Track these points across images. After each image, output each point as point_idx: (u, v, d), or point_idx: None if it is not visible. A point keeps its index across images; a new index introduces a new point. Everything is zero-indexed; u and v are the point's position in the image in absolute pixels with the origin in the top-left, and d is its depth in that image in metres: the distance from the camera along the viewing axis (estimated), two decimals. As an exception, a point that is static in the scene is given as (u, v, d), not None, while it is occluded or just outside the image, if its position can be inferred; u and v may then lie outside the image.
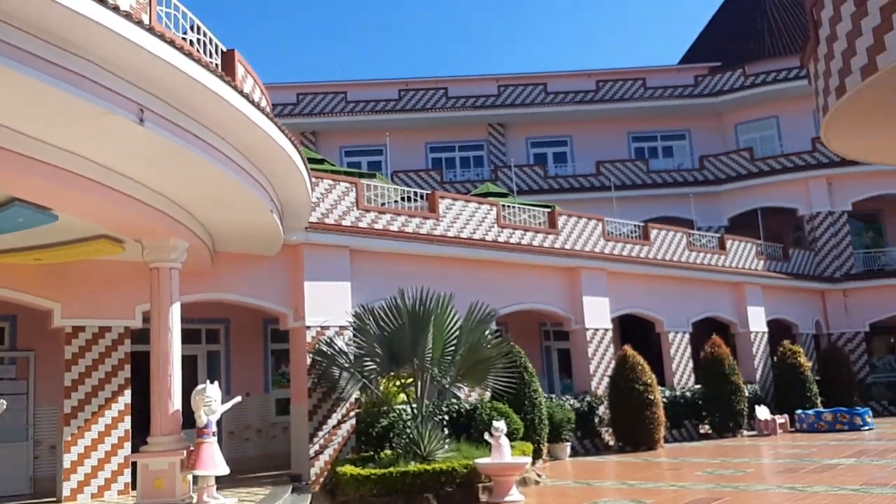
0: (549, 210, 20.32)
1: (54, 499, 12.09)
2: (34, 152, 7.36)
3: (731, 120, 33.50)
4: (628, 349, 19.42)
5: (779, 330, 26.78)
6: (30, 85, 6.12)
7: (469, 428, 15.04)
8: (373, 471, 12.05)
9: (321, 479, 13.93)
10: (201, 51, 8.38)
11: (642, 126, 33.68)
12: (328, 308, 14.82)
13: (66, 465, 11.94)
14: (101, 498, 12.05)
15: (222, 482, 11.33)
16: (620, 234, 22.57)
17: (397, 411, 14.53)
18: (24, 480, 13.19)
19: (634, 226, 22.84)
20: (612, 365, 19.86)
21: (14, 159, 7.20)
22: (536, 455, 15.54)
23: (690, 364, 22.99)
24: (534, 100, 33.13)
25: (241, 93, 8.42)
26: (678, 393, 21.57)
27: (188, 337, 14.62)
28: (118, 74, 6.97)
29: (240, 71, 9.56)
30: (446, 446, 13.21)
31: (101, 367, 12.45)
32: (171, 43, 7.01)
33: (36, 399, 13.52)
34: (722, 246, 25.08)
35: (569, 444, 18.03)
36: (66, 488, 11.89)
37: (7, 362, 13.44)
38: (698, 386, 22.05)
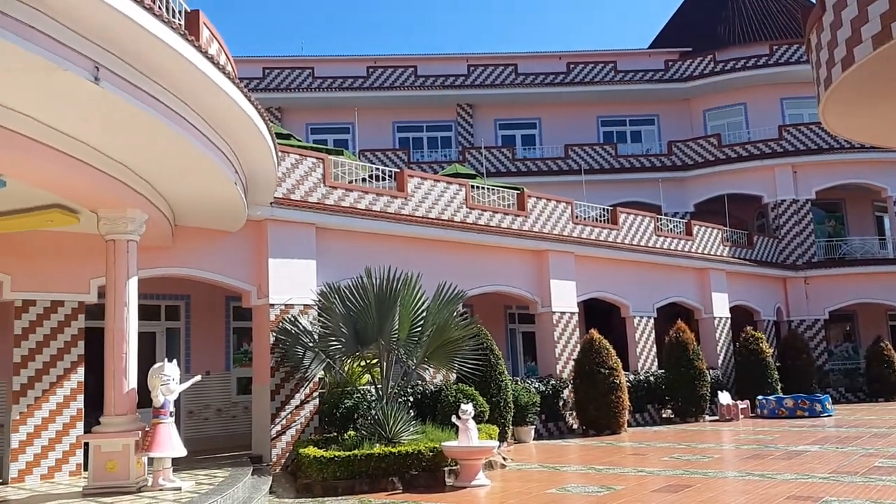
0: (518, 192, 20.08)
1: (0, 480, 11.54)
2: (-22, 110, 6.84)
3: (700, 106, 33.58)
4: (594, 333, 19.33)
5: (741, 316, 27.01)
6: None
7: (435, 410, 14.80)
8: (336, 453, 11.74)
9: (283, 461, 13.59)
10: (163, 9, 7.87)
11: (612, 110, 33.60)
12: (293, 286, 14.42)
13: (14, 444, 11.42)
14: (50, 479, 11.55)
15: (179, 464, 10.95)
16: (589, 218, 22.47)
17: (362, 392, 14.22)
18: (-31, 460, 12.60)
19: (603, 209, 22.72)
20: (578, 349, 19.77)
21: (-44, 117, 6.68)
22: (502, 438, 15.38)
23: (654, 349, 23.04)
24: (503, 81, 32.79)
25: (205, 55, 7.94)
26: (642, 377, 21.58)
27: (146, 313, 14.15)
28: (72, 28, 6.45)
29: (205, 33, 9.06)
30: (412, 429, 12.95)
31: (52, 343, 11.92)
32: (130, -4, 6.51)
33: (-17, 375, 12.91)
34: (689, 232, 25.13)
35: (533, 427, 17.92)
36: (14, 469, 11.37)
37: (-48, 337, 12.79)
38: (661, 371, 22.11)
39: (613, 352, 19.17)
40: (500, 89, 32.62)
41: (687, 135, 32.94)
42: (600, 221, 22.30)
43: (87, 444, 10.37)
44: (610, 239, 21.98)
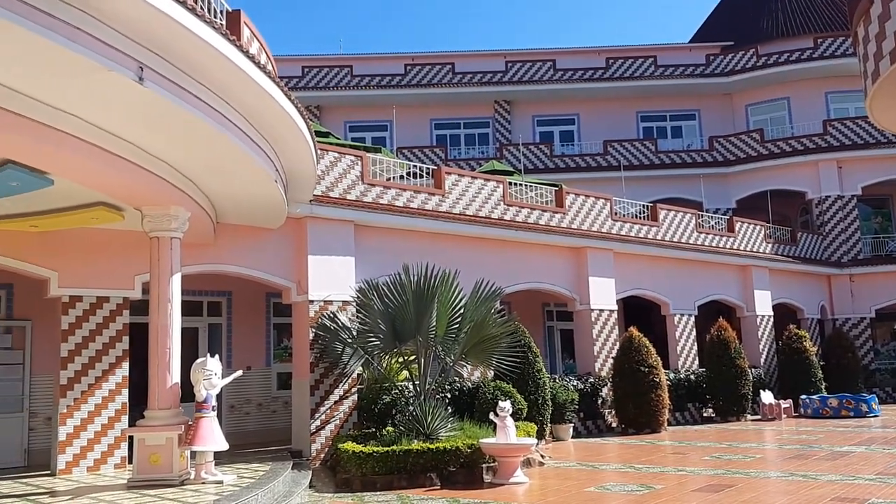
0: (556, 189, 19.96)
1: (48, 472, 11.84)
2: (28, 111, 6.99)
3: (742, 100, 33.03)
4: (634, 331, 19.15)
5: (784, 314, 26.52)
6: (25, 37, 5.75)
7: (472, 407, 14.80)
8: (375, 448, 11.81)
9: (322, 456, 13.71)
10: (205, 9, 7.98)
11: (652, 105, 33.23)
12: (332, 283, 14.53)
13: (62, 437, 11.69)
14: (96, 472, 11.81)
15: (221, 457, 11.10)
16: (628, 215, 22.25)
17: (400, 388, 14.29)
18: (19, 452, 12.94)
19: (642, 206, 22.48)
20: (617, 346, 19.62)
21: (7, 117, 6.84)
22: (539, 436, 15.33)
23: (695, 347, 22.75)
24: (542, 76, 32.60)
25: (246, 54, 8.05)
26: (682, 376, 21.33)
27: (189, 309, 14.36)
28: (117, 29, 6.59)
29: (245, 32, 9.18)
30: (449, 425, 12.98)
31: (98, 339, 12.16)
32: (173, -3, 6.62)
33: (32, 369, 13.24)
34: (731, 228, 24.75)
35: (572, 425, 17.83)
36: (61, 461, 11.64)
37: (3, 332, 13.16)
38: (702, 369, 21.83)
39: (653, 350, 18.98)
40: (538, 85, 32.46)
41: (729, 130, 32.44)
42: (640, 218, 22.07)
43: (131, 438, 10.57)
44: (650, 236, 21.74)
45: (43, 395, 13.14)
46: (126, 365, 12.38)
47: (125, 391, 12.31)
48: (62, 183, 9.01)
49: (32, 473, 11.89)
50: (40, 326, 13.26)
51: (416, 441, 12.18)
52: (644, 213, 22.35)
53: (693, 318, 22.89)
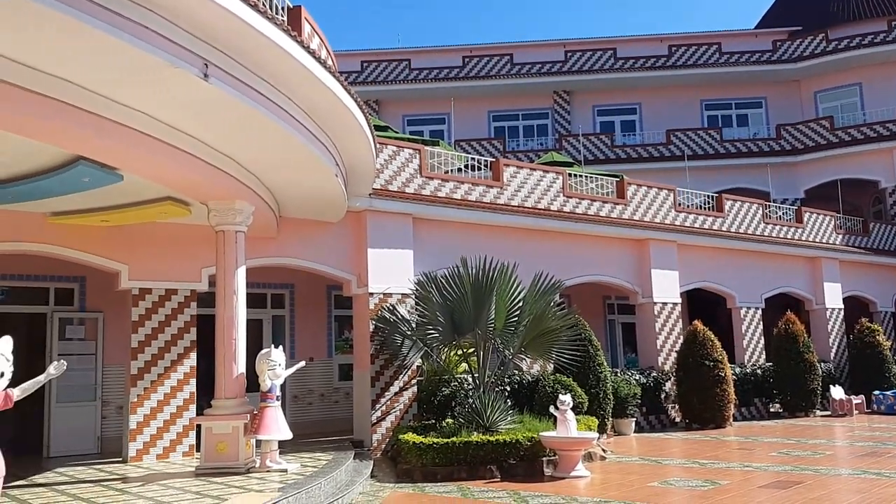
0: (617, 179, 19.68)
1: (120, 459, 12.25)
2: (97, 108, 7.21)
3: (811, 87, 32.00)
4: (698, 324, 18.79)
5: (856, 307, 25.64)
6: (93, 36, 5.93)
7: (531, 400, 14.75)
8: (435, 439, 11.88)
9: (383, 446, 13.85)
10: (267, 6, 8.10)
11: (716, 93, 32.46)
12: (391, 275, 14.64)
13: (133, 425, 12.08)
14: (165, 459, 12.17)
15: (285, 446, 11.31)
16: (692, 206, 21.80)
17: (459, 380, 14.32)
18: (92, 440, 13.42)
19: (707, 196, 22.00)
20: (680, 340, 19.28)
21: (78, 115, 7.07)
22: (601, 430, 15.18)
23: (762, 341, 22.20)
24: (602, 66, 32.16)
25: (307, 49, 8.14)
26: (748, 370, 20.85)
27: (254, 301, 14.61)
28: (182, 27, 6.74)
29: (306, 28, 9.28)
30: (509, 418, 12.96)
31: (167, 330, 12.52)
32: (237, -6, 6.73)
33: (104, 359, 13.71)
34: (799, 219, 24.02)
35: (634, 419, 17.59)
36: (132, 449, 12.03)
37: (76, 323, 13.64)
38: (769, 364, 21.28)
39: (718, 343, 18.60)
40: (598, 74, 32.05)
41: (797, 117, 31.47)
42: (704, 209, 21.61)
43: (199, 426, 10.84)
44: (715, 227, 21.28)
45: (115, 384, 13.60)
46: (194, 355, 12.71)
47: (193, 381, 12.65)
48: (131, 178, 9.28)
49: (105, 460, 12.33)
50: (112, 318, 13.72)
51: (475, 433, 12.20)
52: (709, 203, 21.87)
53: (759, 312, 22.32)
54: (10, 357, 5.64)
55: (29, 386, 5.96)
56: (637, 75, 31.92)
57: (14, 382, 5.71)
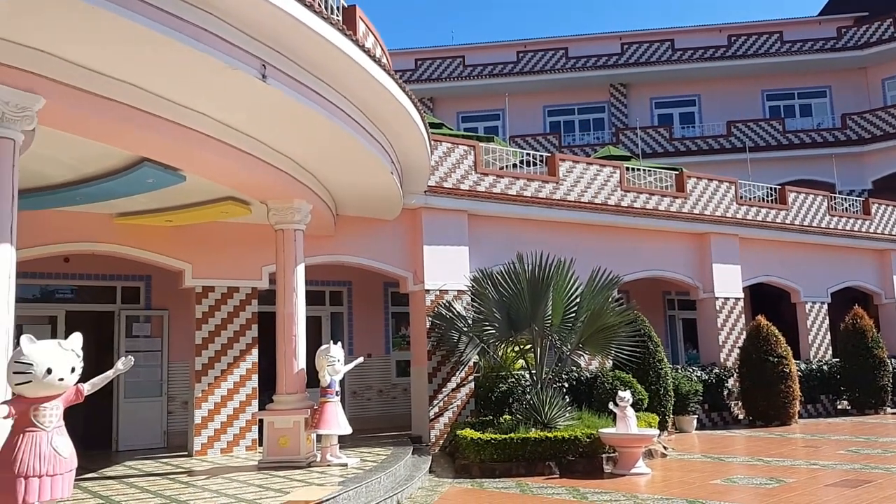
0: (676, 173, 19.35)
1: (185, 453, 12.58)
2: (160, 110, 7.43)
3: (878, 74, 30.89)
4: (762, 319, 18.34)
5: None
6: (153, 39, 6.10)
7: (590, 397, 14.62)
8: (493, 435, 11.87)
9: (441, 442, 13.91)
10: (322, 5, 8.20)
11: (778, 83, 31.60)
12: (446, 272, 14.69)
13: (197, 420, 12.39)
14: (229, 453, 12.45)
15: (344, 441, 11.44)
16: (754, 198, 21.29)
17: (516, 377, 14.29)
18: (158, 434, 13.81)
19: (770, 189, 21.46)
20: (743, 336, 18.86)
21: (141, 117, 7.29)
22: (662, 427, 14.96)
23: (828, 336, 21.56)
24: (659, 57, 31.64)
25: (363, 48, 8.22)
26: (814, 366, 20.26)
27: (312, 298, 14.84)
28: (240, 29, 6.88)
29: (361, 27, 9.37)
30: (567, 414, 12.87)
31: (229, 327, 12.80)
32: (293, -5, 6.84)
33: (169, 356, 14.09)
34: (866, 210, 23.23)
35: (695, 416, 17.27)
36: (197, 443, 12.34)
37: (142, 320, 14.05)
38: (836, 359, 20.65)
39: (783, 339, 18.13)
40: (655, 66, 31.53)
41: (863, 106, 30.42)
42: (767, 201, 21.08)
43: (261, 421, 11.06)
44: (778, 220, 20.74)
45: (179, 380, 13.96)
46: (255, 352, 12.97)
47: (255, 377, 12.91)
48: (193, 179, 9.51)
49: (171, 454, 12.67)
50: (176, 315, 14.08)
51: (533, 430, 12.15)
52: (771, 196, 21.33)
53: (825, 306, 21.68)
54: (81, 353, 5.83)
55: (98, 381, 6.15)
56: (696, 66, 31.30)
57: (83, 378, 5.91)
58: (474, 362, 14.76)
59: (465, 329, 14.00)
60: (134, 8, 5.82)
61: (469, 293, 14.58)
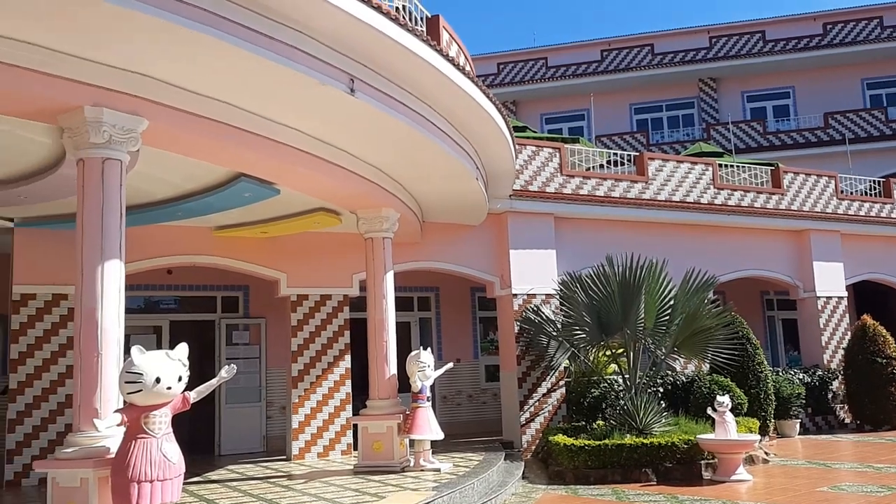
0: (771, 168, 18.68)
1: (284, 457, 12.94)
2: (254, 127, 7.69)
3: None
4: (868, 319, 17.50)
5: None
6: (246, 58, 6.34)
7: (686, 402, 14.26)
8: (587, 442, 11.74)
9: (533, 447, 13.83)
10: (406, 17, 8.33)
11: (879, 70, 30.05)
12: (534, 276, 14.60)
13: (294, 425, 12.73)
14: (325, 457, 12.74)
15: (436, 446, 11.52)
16: (856, 192, 20.35)
17: (608, 382, 14.07)
18: (258, 439, 14.26)
19: (873, 182, 20.44)
20: (847, 336, 18.03)
21: (238, 135, 7.56)
22: (762, 432, 14.46)
23: (942, 336, 20.34)
24: (750, 50, 30.61)
25: (447, 58, 8.29)
26: (928, 368, 19.14)
27: (401, 304, 15.01)
28: (328, 44, 7.06)
29: (444, 37, 9.45)
30: (663, 420, 12.59)
31: (323, 333, 13.12)
32: (379, 9, 6.97)
33: (267, 362, 14.53)
34: (982, 201, 21.81)
35: (798, 421, 16.60)
36: (295, 447, 12.68)
37: (241, 328, 14.55)
38: (953, 361, 19.45)
39: (891, 339, 17.24)
40: (746, 59, 30.52)
41: (976, 91, 28.64)
42: (870, 195, 20.09)
43: (355, 426, 11.27)
44: (883, 214, 19.73)
45: (277, 386, 14.38)
46: (348, 358, 13.24)
47: (348, 382, 13.17)
48: (286, 192, 9.79)
49: (271, 458, 13.06)
50: (273, 323, 14.52)
51: (628, 435, 11.94)
52: (875, 189, 20.32)
53: (939, 304, 20.49)
54: (187, 362, 6.08)
55: (204, 389, 6.40)
56: (789, 57, 30.13)
57: (188, 385, 6.16)
58: (565, 367, 14.62)
59: (555, 333, 13.88)
60: (234, 33, 6.08)
61: (557, 297, 14.44)
